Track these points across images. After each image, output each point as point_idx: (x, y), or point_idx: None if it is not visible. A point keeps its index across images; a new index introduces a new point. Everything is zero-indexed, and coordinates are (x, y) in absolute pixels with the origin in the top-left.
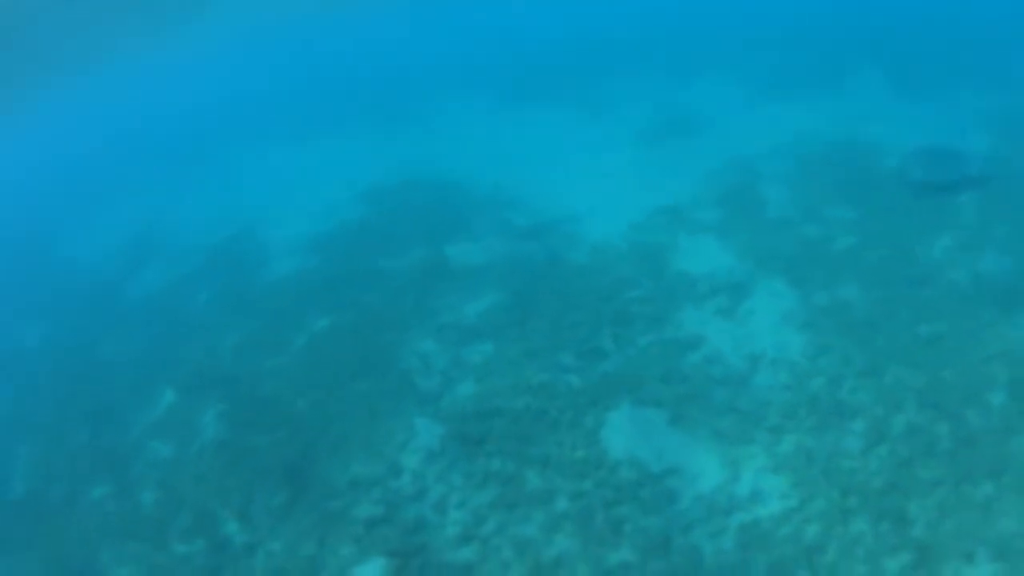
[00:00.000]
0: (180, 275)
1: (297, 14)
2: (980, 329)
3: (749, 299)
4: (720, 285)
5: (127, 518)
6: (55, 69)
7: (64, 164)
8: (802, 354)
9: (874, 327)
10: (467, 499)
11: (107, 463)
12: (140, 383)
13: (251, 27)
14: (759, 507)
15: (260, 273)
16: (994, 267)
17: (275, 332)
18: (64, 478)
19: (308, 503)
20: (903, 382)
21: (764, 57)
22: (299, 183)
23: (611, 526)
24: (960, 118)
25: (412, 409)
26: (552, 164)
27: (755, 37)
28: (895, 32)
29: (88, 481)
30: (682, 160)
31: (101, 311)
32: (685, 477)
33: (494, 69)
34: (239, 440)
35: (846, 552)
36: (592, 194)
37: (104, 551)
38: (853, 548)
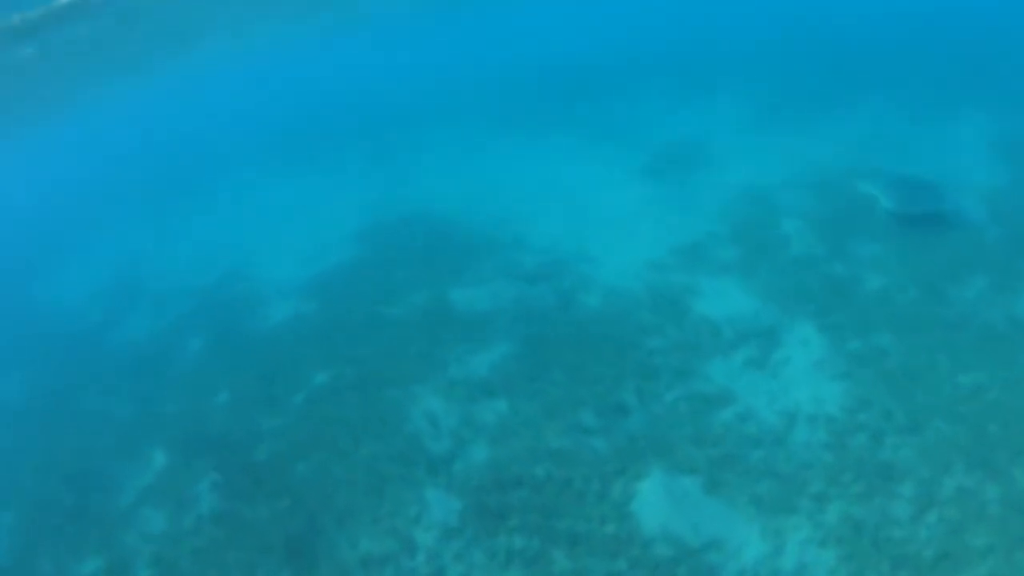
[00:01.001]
0: (167, 322)
1: (284, 44)
2: (1022, 377)
3: (779, 347)
4: (747, 332)
5: None
6: (30, 103)
7: (40, 200)
8: (840, 408)
9: (913, 377)
10: None
11: (96, 533)
12: (127, 444)
13: (235, 59)
14: None
15: (252, 320)
16: None
17: (270, 388)
18: (51, 550)
19: None
20: (947, 439)
21: (768, 78)
22: (290, 220)
23: None
24: (977, 142)
25: (423, 476)
26: (556, 198)
27: (758, 57)
28: (906, 53)
29: (77, 554)
30: (694, 192)
31: (83, 361)
32: (725, 551)
33: (488, 95)
34: (237, 511)
35: None
36: (601, 230)
37: None
38: None
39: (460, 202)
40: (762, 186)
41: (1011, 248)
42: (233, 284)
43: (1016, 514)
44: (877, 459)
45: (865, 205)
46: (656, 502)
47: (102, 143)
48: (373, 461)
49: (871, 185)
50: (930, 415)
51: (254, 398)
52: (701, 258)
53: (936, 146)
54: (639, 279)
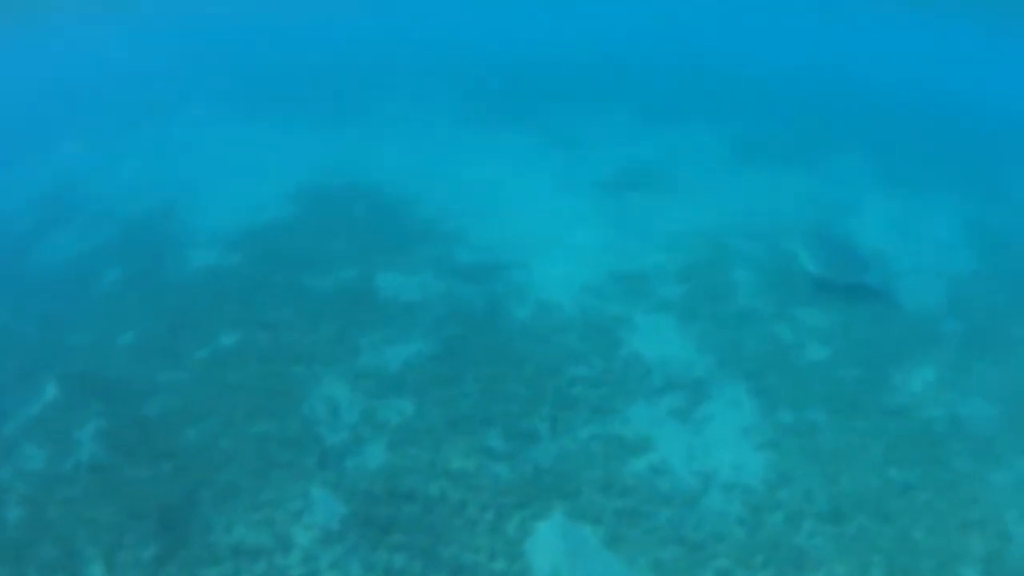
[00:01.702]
0: (90, 246)
1: None
2: (956, 483)
3: (707, 403)
4: (676, 380)
5: None
6: None
7: None
8: (761, 480)
9: (841, 460)
10: None
11: None
12: (23, 368)
13: None
14: None
15: (172, 263)
16: (974, 412)
17: (175, 339)
18: None
19: (182, 563)
20: (869, 536)
21: (742, 119)
22: (232, 165)
23: None
24: (947, 225)
25: (312, 468)
26: (504, 198)
27: (733, 95)
28: (884, 119)
29: None
30: (647, 219)
31: (1, 272)
32: None
33: (458, 82)
34: (117, 466)
35: None
36: (544, 240)
37: None
38: None
39: (407, 184)
40: (719, 227)
41: (964, 344)
42: (161, 220)
43: None
44: (791, 543)
45: (831, 270)
46: (552, 546)
47: (50, 58)
48: (264, 441)
49: (831, 250)
50: (854, 506)
51: (157, 346)
52: (642, 291)
53: (906, 218)
54: (573, 300)
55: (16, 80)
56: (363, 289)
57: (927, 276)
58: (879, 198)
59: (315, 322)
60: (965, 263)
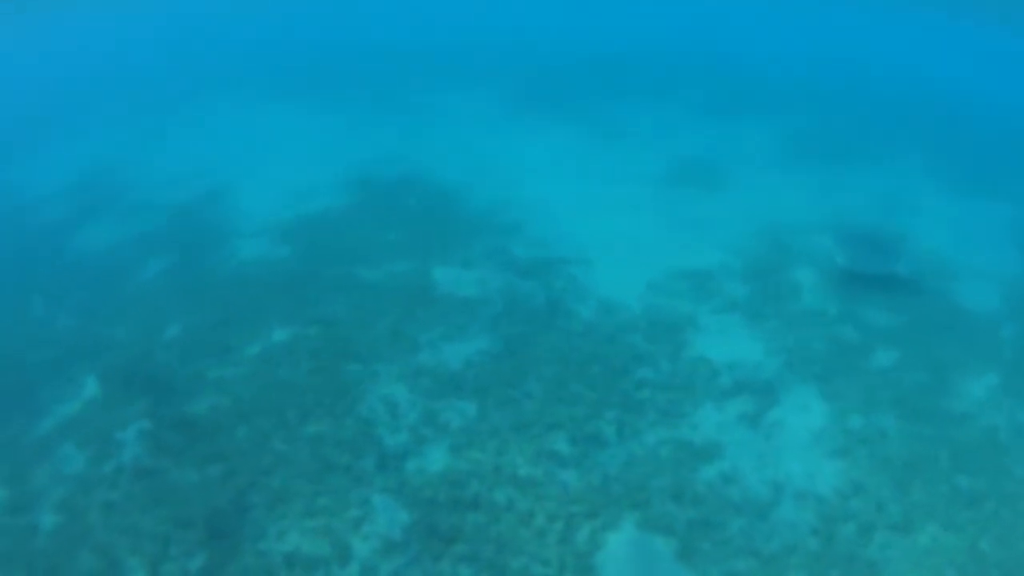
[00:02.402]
0: (130, 235)
1: None
2: (1022, 493)
3: (776, 407)
4: (745, 383)
5: (20, 541)
6: None
7: (17, 86)
8: (833, 490)
9: (911, 469)
10: None
11: (8, 459)
12: (62, 363)
13: None
14: None
15: (219, 253)
16: None
17: (224, 333)
18: None
19: (231, 575)
20: (940, 546)
21: (793, 115)
22: (281, 151)
23: None
24: (1004, 228)
25: (371, 472)
26: (561, 190)
27: (791, 89)
28: (938, 119)
29: None
30: (705, 215)
31: (34, 260)
32: None
33: (508, 71)
34: (162, 469)
35: None
36: (604, 235)
37: None
38: None
39: (460, 174)
40: (779, 224)
41: None
42: (205, 208)
43: None
44: (864, 556)
45: (888, 270)
46: (623, 559)
47: (84, 40)
48: (319, 442)
49: (899, 249)
50: (925, 516)
51: (204, 341)
52: (707, 289)
53: (962, 220)
54: (637, 298)
55: (48, 63)
56: (419, 283)
57: (986, 279)
58: (935, 198)
59: (370, 317)
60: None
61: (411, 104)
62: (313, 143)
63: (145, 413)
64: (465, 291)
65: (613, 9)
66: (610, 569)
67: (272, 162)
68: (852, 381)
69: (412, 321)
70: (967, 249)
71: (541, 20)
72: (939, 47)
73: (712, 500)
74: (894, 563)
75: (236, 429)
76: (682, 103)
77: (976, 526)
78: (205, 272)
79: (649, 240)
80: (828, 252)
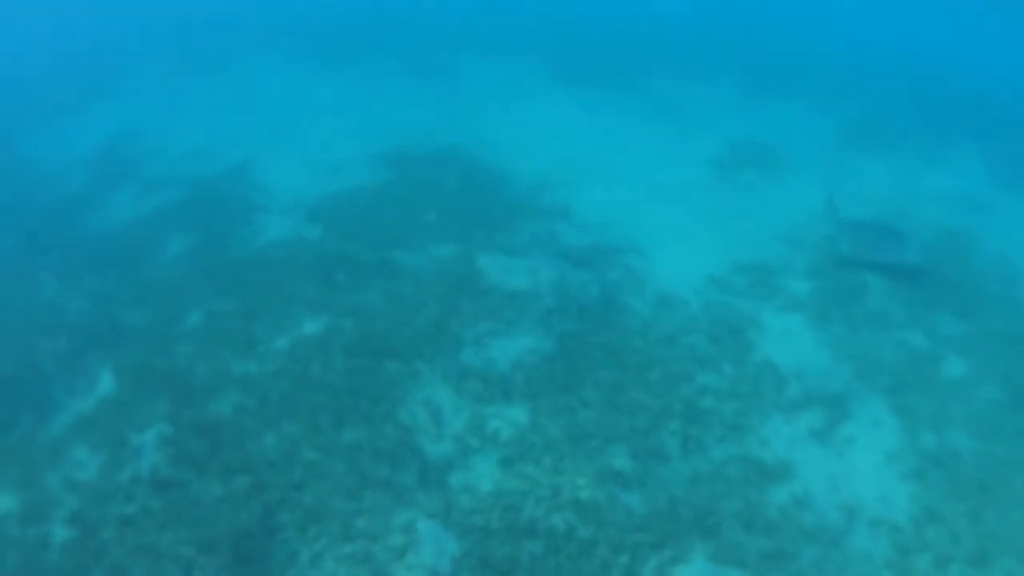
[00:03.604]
0: (150, 210)
1: None
2: None
3: (848, 421)
4: (814, 393)
5: (31, 556)
6: None
7: (33, 52)
8: (908, 517)
9: (986, 494)
10: None
11: (16, 462)
12: (76, 350)
13: None
14: None
15: (245, 231)
16: None
17: (250, 323)
18: None
19: None
20: None
21: (851, 99)
22: (308, 123)
23: None
24: None
25: (413, 487)
26: (609, 171)
27: (844, 70)
28: (1007, 107)
29: None
30: (764, 203)
31: (46, 237)
32: None
33: (551, 37)
34: (184, 481)
35: None
36: (660, 221)
37: None
38: None
39: (503, 150)
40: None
41: None
42: (231, 183)
43: None
44: None
45: (953, 272)
46: None
47: (116, 2)
48: (356, 452)
49: (961, 250)
50: (1001, 549)
51: (228, 331)
52: (769, 285)
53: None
54: (697, 292)
55: (66, 26)
56: (463, 272)
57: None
58: (1003, 196)
59: (410, 309)
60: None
61: (449, 72)
62: (346, 114)
63: (164, 415)
64: (514, 282)
65: None
66: None
67: (302, 134)
68: (924, 395)
69: (456, 314)
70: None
71: None
72: (1000, 33)
73: (785, 527)
74: None
75: (263, 436)
76: (732, 80)
77: None
78: (229, 253)
79: (706, 228)
80: (893, 248)
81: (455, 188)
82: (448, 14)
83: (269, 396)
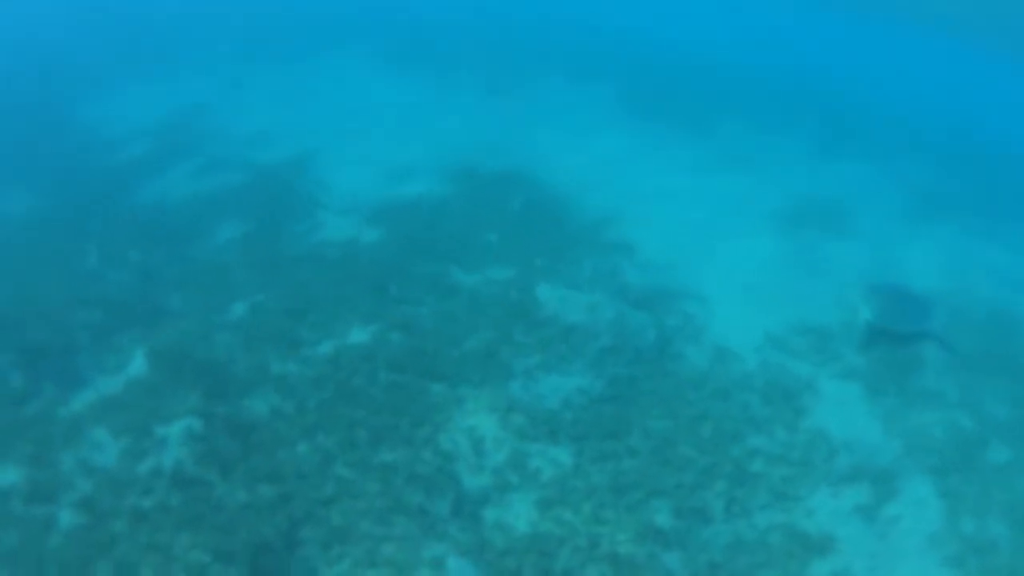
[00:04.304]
0: (204, 192)
1: None
2: None
3: (894, 500)
4: (863, 468)
5: (33, 536)
6: None
7: (102, 19)
8: None
9: None
10: None
11: (32, 435)
12: (112, 326)
13: None
14: None
15: (301, 225)
16: None
17: (295, 322)
18: None
19: None
20: None
21: (924, 165)
22: (379, 122)
23: None
24: None
25: (446, 519)
26: (675, 212)
27: (912, 132)
28: None
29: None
30: (830, 264)
31: (95, 206)
32: None
33: (625, 68)
34: (206, 481)
35: None
36: (722, 270)
37: None
38: None
39: (572, 177)
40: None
41: None
42: (291, 173)
43: None
44: None
45: (1015, 361)
46: None
47: None
48: (391, 473)
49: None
50: None
51: (272, 328)
52: (828, 350)
53: None
54: (754, 349)
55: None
56: (520, 299)
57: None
58: None
59: (461, 330)
60: None
61: (522, 91)
62: (415, 120)
63: (195, 407)
64: (572, 316)
65: (735, 20)
66: None
67: (369, 134)
68: (968, 477)
69: (508, 343)
70: None
71: (661, 18)
72: None
73: None
74: None
75: (297, 444)
76: (800, 133)
77: None
78: (283, 246)
79: (768, 283)
80: (951, 324)
81: (518, 210)
82: (530, 33)
83: (307, 403)
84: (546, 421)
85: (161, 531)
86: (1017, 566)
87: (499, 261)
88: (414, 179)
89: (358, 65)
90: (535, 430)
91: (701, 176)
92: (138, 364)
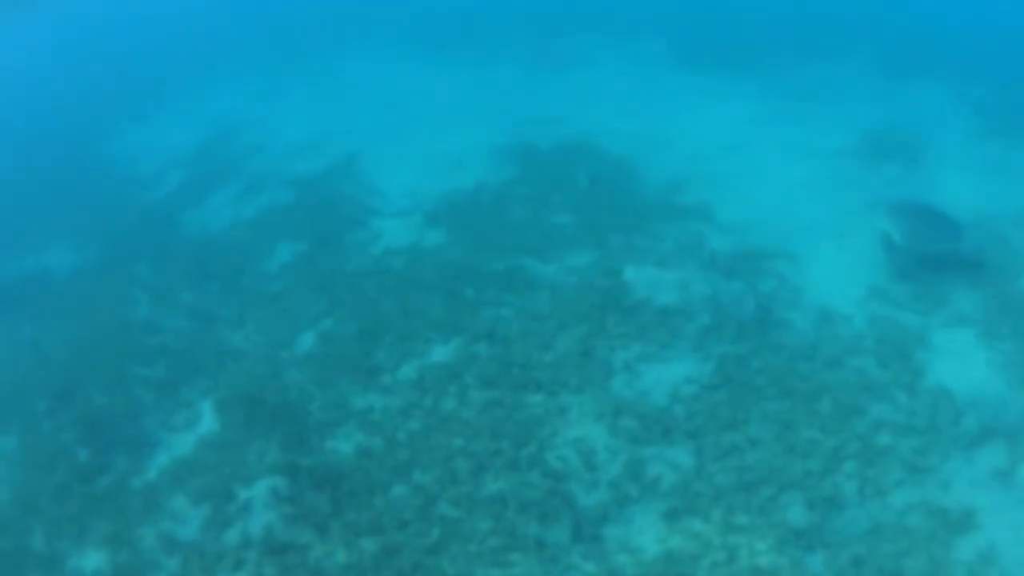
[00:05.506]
0: (252, 214)
1: None
2: None
3: None
4: (992, 426)
5: None
6: None
7: (129, 44)
8: None
9: None
10: None
11: (107, 513)
12: (174, 381)
13: None
14: None
15: (359, 238)
16: None
17: (371, 350)
18: (48, 520)
19: None
20: None
21: (985, 79)
22: (425, 110)
23: None
24: None
25: (566, 547)
26: (744, 163)
27: (970, 49)
28: None
29: (79, 538)
30: (916, 200)
31: (140, 247)
32: None
33: (672, 17)
34: (302, 544)
35: None
36: (807, 220)
37: None
38: None
39: (635, 141)
40: (996, 214)
41: None
42: (339, 181)
43: None
44: None
45: None
46: None
47: None
48: (501, 506)
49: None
50: None
51: (345, 358)
52: (934, 297)
53: None
54: (858, 305)
55: (151, 14)
56: (605, 284)
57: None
58: None
59: (549, 329)
60: None
61: (569, 56)
62: (461, 102)
63: (275, 463)
64: (664, 297)
65: None
66: None
67: (414, 124)
68: None
69: (602, 336)
70: None
71: None
72: None
73: None
74: None
75: (392, 486)
76: (862, 61)
77: None
78: (344, 263)
79: (857, 229)
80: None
81: (585, 186)
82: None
83: (397, 437)
84: (658, 420)
85: None
86: None
87: (576, 245)
88: (468, 167)
89: (388, 52)
90: (647, 432)
91: (767, 123)
92: (208, 419)
